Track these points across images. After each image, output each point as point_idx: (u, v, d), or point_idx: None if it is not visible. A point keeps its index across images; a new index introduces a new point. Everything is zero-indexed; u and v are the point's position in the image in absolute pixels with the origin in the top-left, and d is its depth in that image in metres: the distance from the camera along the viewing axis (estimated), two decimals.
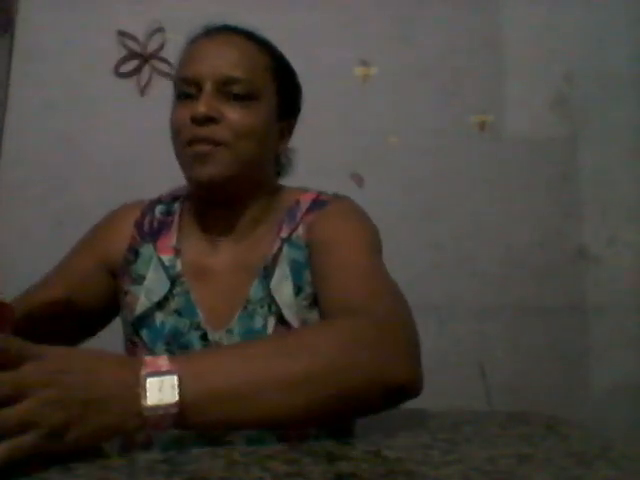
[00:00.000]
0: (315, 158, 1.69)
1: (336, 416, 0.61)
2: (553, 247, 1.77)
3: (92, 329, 0.96)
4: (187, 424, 0.56)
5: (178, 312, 0.88)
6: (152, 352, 0.88)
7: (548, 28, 1.80)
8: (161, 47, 1.80)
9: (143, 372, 0.54)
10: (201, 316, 0.87)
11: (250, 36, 0.90)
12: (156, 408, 0.54)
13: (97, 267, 0.94)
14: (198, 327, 0.87)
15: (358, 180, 1.76)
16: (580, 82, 1.79)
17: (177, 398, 0.54)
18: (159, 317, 0.88)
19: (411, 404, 0.61)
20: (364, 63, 1.79)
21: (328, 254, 0.82)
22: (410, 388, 0.62)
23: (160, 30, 1.80)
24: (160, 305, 0.89)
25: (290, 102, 0.95)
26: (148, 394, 0.54)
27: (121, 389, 0.54)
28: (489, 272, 1.76)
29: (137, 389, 0.54)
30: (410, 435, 0.63)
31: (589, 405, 1.72)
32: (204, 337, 0.86)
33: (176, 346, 0.87)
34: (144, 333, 0.89)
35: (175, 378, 0.55)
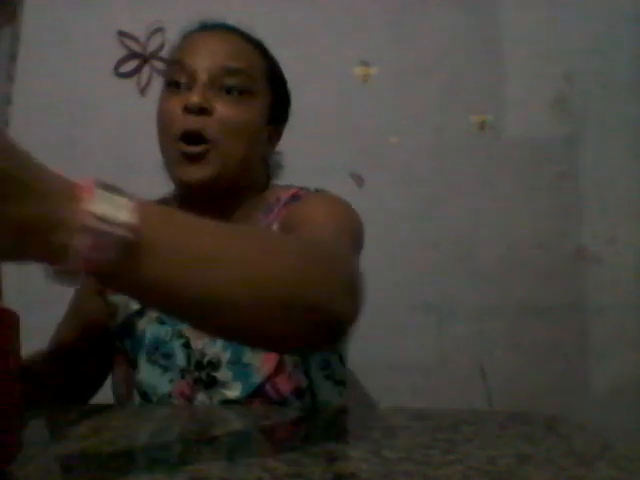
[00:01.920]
0: (315, 158, 1.69)
1: (280, 323, 0.53)
2: (553, 247, 1.77)
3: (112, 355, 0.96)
4: (132, 272, 0.43)
5: (160, 320, 0.87)
6: (134, 362, 0.88)
7: (548, 28, 1.80)
8: (161, 47, 1.80)
9: (86, 182, 0.43)
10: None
11: (247, 37, 0.90)
12: (103, 220, 0.41)
13: (94, 293, 0.95)
14: (181, 335, 0.86)
15: (358, 180, 1.76)
16: (580, 82, 1.79)
17: (133, 221, 0.43)
18: (140, 325, 0.88)
19: (411, 404, 0.61)
20: (364, 63, 1.79)
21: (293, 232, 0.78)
22: (350, 320, 0.58)
23: (160, 30, 1.80)
24: (141, 313, 0.88)
25: (281, 108, 0.94)
26: (95, 201, 0.41)
27: (45, 186, 0.42)
28: (489, 272, 1.76)
29: (76, 192, 0.42)
30: (410, 435, 0.63)
31: (589, 405, 1.71)
32: (187, 345, 0.86)
33: (159, 355, 0.86)
34: (126, 342, 0.89)
35: (129, 202, 0.44)
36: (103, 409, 0.72)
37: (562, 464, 0.53)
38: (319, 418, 0.72)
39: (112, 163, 1.76)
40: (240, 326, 0.52)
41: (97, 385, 0.96)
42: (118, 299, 0.89)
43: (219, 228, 0.53)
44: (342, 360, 0.95)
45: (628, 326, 1.76)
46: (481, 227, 1.77)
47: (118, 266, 0.43)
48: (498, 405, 1.71)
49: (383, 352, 1.66)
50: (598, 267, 1.77)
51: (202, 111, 0.81)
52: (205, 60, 0.83)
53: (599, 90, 1.79)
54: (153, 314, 0.87)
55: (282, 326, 0.53)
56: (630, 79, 1.79)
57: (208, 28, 0.90)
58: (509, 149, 1.79)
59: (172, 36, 1.87)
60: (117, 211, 0.42)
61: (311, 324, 0.55)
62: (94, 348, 0.93)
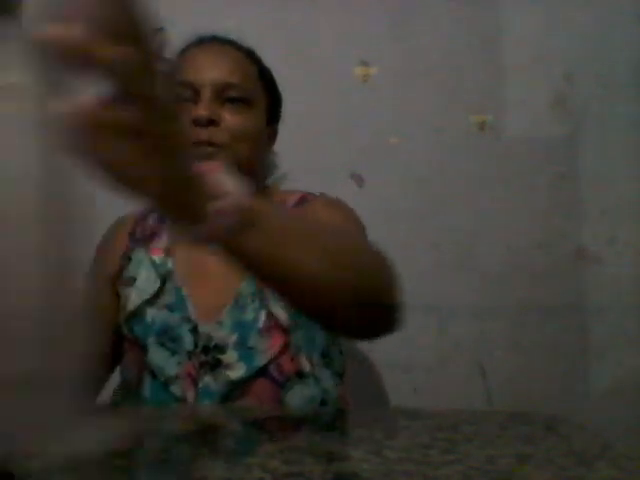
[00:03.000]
0: (315, 158, 1.69)
1: (352, 305, 0.62)
2: (553, 247, 1.77)
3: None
4: (244, 241, 0.52)
5: (169, 307, 0.91)
6: (144, 347, 0.91)
7: (548, 28, 1.80)
8: (161, 47, 1.80)
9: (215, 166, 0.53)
10: (192, 310, 0.89)
11: (239, 47, 0.99)
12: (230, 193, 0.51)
13: (106, 287, 0.98)
14: (189, 320, 0.90)
15: (358, 180, 1.76)
16: (580, 82, 1.79)
17: (248, 198, 0.52)
18: (150, 313, 0.92)
19: (411, 404, 0.61)
20: (364, 63, 1.79)
21: None
22: (401, 310, 0.69)
23: (160, 30, 1.80)
24: (151, 302, 0.92)
25: (275, 108, 1.03)
26: (222, 178, 0.51)
27: None
28: (489, 272, 1.76)
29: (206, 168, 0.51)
30: (410, 435, 0.63)
31: (589, 405, 1.71)
32: (194, 330, 0.89)
33: (167, 339, 0.89)
34: (136, 329, 0.92)
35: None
36: (102, 409, 0.72)
37: (562, 464, 0.53)
38: (319, 418, 0.72)
39: None
40: (319, 304, 0.60)
41: (103, 380, 0.98)
42: (129, 290, 0.93)
43: (306, 220, 0.68)
44: (342, 354, 1.00)
45: (628, 326, 1.76)
46: (481, 227, 1.77)
47: (236, 233, 0.51)
48: (498, 405, 1.71)
49: (383, 352, 1.66)
50: (598, 267, 1.77)
51: (210, 122, 0.90)
52: (207, 76, 0.92)
53: (599, 90, 1.79)
54: (163, 302, 0.91)
55: (354, 308, 0.61)
56: (630, 79, 1.79)
57: (204, 43, 0.98)
58: (509, 149, 1.79)
59: (172, 36, 1.88)
60: (238, 188, 0.51)
61: (377, 309, 0.65)
62: (103, 345, 0.95)
